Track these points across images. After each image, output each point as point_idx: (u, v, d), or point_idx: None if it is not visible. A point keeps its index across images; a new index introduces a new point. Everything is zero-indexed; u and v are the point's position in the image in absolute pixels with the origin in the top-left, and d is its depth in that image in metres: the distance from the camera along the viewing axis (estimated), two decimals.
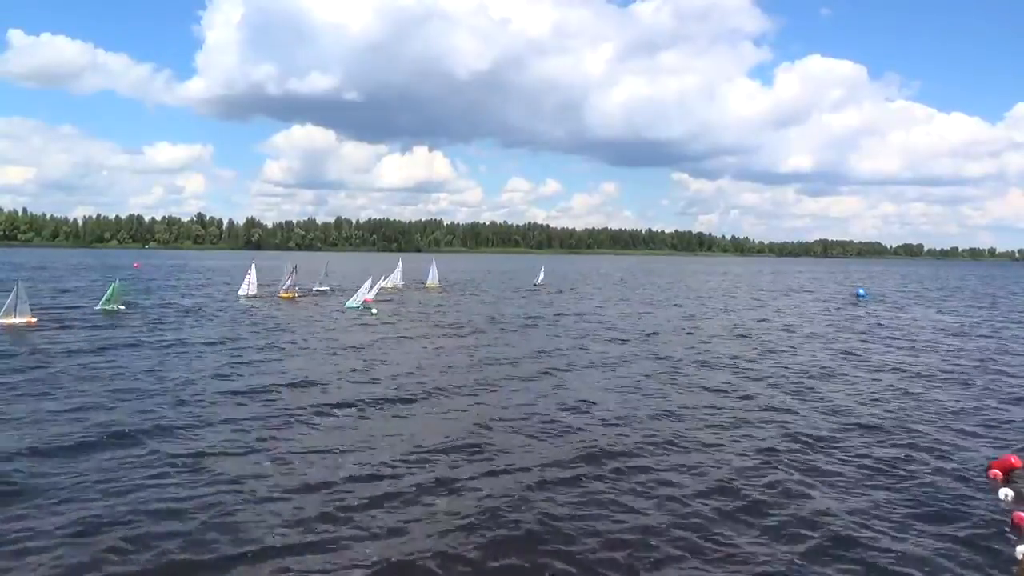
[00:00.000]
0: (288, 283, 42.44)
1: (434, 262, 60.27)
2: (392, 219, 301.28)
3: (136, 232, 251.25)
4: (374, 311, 34.47)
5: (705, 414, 14.55)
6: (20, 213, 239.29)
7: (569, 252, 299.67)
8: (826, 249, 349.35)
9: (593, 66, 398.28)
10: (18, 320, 26.00)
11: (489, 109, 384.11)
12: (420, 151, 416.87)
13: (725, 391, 17.02)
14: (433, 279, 57.05)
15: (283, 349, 21.90)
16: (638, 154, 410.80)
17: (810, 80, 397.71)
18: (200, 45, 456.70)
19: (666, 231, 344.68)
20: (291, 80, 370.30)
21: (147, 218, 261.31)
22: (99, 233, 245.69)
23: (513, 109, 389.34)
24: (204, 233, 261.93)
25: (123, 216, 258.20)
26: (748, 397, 16.36)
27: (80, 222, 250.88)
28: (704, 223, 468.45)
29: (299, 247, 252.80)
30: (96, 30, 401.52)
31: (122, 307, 33.09)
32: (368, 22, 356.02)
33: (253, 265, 43.57)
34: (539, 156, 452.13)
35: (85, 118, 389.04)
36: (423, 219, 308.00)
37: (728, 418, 14.29)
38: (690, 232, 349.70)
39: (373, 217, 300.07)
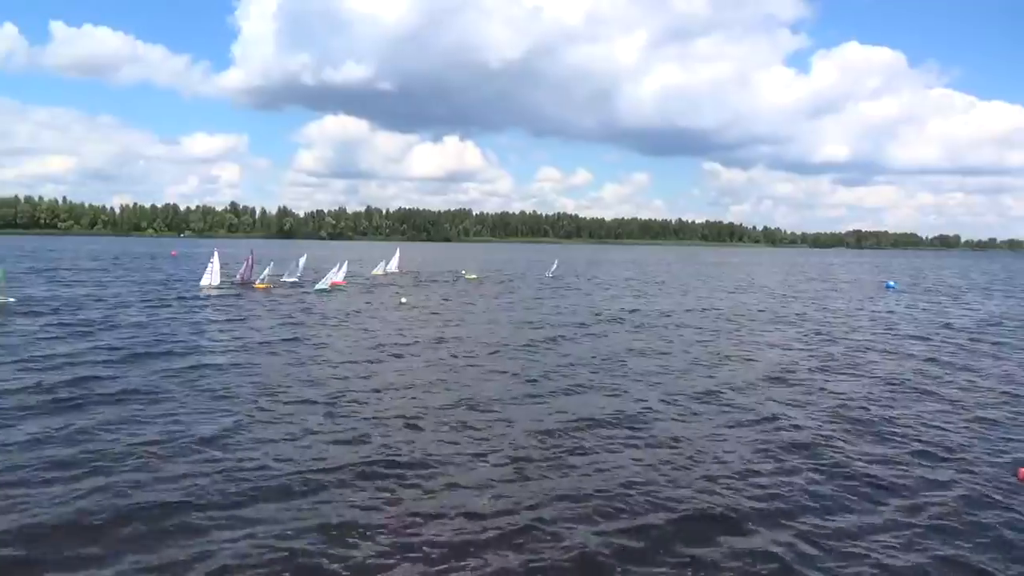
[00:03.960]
0: (264, 273, 41.05)
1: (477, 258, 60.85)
2: (422, 208, 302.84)
3: (172, 221, 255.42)
4: (403, 300, 34.49)
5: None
6: (60, 202, 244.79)
7: (598, 242, 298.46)
8: (860, 240, 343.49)
9: (626, 54, 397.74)
10: None
11: (520, 98, 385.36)
12: (451, 140, 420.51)
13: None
14: (470, 270, 57.84)
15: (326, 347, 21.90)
16: (670, 143, 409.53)
17: (847, 67, 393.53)
18: (236, 36, 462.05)
19: (697, 221, 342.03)
20: (326, 70, 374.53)
21: (183, 207, 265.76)
22: (136, 222, 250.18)
23: (545, 98, 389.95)
24: (238, 222, 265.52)
25: (159, 205, 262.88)
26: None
27: (118, 211, 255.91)
28: (735, 213, 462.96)
29: (330, 236, 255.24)
30: (135, 22, 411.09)
31: (11, 299, 28.11)
32: (402, 12, 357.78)
33: (216, 253, 41.01)
34: (570, 145, 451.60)
35: (124, 109, 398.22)
36: (453, 208, 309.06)
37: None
38: (721, 222, 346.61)
39: (403, 206, 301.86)
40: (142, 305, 30.25)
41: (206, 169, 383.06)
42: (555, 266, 62.50)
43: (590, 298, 39.70)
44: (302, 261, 45.07)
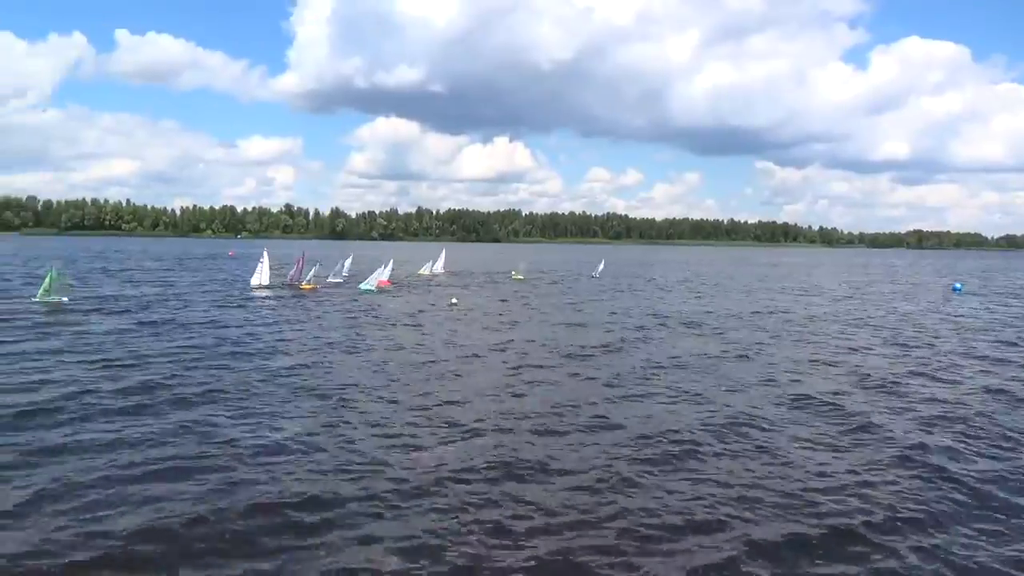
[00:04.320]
0: (309, 274, 40.94)
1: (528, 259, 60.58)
2: (472, 209, 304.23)
3: (229, 222, 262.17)
4: (454, 300, 34.43)
5: None
6: (124, 204, 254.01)
7: (648, 243, 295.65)
8: (921, 240, 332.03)
9: (677, 53, 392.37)
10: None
11: (570, 98, 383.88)
12: (501, 141, 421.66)
13: None
14: (518, 270, 57.55)
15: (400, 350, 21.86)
16: (722, 142, 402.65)
17: (908, 63, 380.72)
18: (291, 41, 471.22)
19: (749, 221, 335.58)
20: (378, 73, 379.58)
21: (239, 208, 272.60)
22: (195, 223, 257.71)
23: (595, 98, 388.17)
24: (292, 223, 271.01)
25: (217, 207, 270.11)
26: None
27: (178, 212, 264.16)
28: (789, 213, 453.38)
29: (381, 237, 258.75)
30: (195, 29, 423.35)
31: (65, 299, 28.95)
32: (453, 14, 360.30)
33: (265, 253, 41.22)
34: (620, 145, 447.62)
35: (184, 113, 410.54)
36: (502, 209, 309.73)
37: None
38: (774, 222, 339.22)
39: (453, 207, 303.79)
40: (209, 304, 30.94)
41: (262, 171, 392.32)
42: (601, 267, 61.73)
43: (651, 301, 38.94)
44: (348, 263, 45.53)
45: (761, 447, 11.56)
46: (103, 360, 17.15)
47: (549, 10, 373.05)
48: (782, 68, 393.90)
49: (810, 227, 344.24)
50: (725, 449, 11.43)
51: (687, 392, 15.47)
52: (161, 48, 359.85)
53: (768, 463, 10.79)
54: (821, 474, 10.35)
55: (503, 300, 37.31)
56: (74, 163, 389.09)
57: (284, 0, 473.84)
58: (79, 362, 16.87)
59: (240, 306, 30.76)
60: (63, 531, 7.87)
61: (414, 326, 25.62)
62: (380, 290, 39.28)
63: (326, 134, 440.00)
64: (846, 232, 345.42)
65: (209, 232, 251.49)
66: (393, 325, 25.68)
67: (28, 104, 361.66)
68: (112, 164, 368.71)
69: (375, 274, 40.77)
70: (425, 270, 55.71)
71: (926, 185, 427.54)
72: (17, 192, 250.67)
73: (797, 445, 11.70)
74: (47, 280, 29.29)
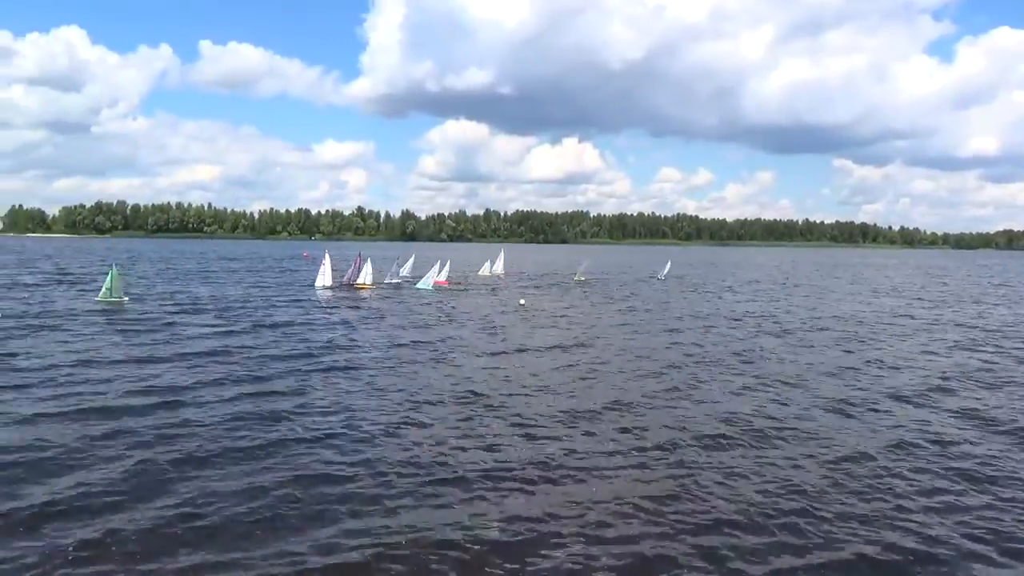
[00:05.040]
0: (364, 273, 40.00)
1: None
2: (540, 211, 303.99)
3: (304, 224, 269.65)
4: (522, 301, 33.41)
5: None
6: (206, 208, 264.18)
7: (719, 244, 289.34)
8: (1011, 240, 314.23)
9: (751, 49, 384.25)
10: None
11: (640, 98, 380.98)
12: (570, 142, 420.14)
13: None
14: (580, 271, 56.40)
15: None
16: (797, 140, 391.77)
17: (997, 54, 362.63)
18: (364, 47, 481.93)
19: (826, 221, 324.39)
20: (448, 76, 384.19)
21: (314, 211, 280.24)
22: (272, 225, 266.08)
23: (665, 97, 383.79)
24: (364, 225, 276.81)
25: (293, 210, 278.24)
26: None
27: (256, 215, 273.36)
28: (868, 213, 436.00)
29: (450, 238, 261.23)
30: (274, 38, 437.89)
31: (125, 298, 29.01)
32: (524, 16, 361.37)
33: (327, 255, 41.62)
34: (691, 145, 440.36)
35: (263, 119, 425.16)
36: (570, 210, 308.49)
37: None
38: (852, 222, 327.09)
39: (521, 209, 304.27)
40: (305, 305, 31.02)
41: (335, 175, 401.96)
42: (666, 269, 59.27)
43: (752, 304, 37.12)
44: (410, 263, 45.60)
45: (948, 471, 10.27)
46: (217, 364, 16.92)
47: (620, 9, 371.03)
48: (861, 63, 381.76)
49: (890, 227, 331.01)
50: (903, 466, 10.32)
51: (843, 403, 14.18)
52: (241, 57, 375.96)
53: (962, 491, 9.53)
54: None
55: (584, 294, 36.28)
56: (160, 168, 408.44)
57: (358, 7, 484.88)
58: (196, 367, 16.57)
59: (335, 307, 30.81)
60: (212, 547, 7.46)
61: (503, 326, 24.91)
62: (437, 289, 38.92)
63: (397, 137, 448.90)
64: (929, 232, 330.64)
65: (285, 234, 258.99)
66: (462, 325, 24.98)
67: (119, 113, 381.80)
68: (196, 169, 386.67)
69: (430, 273, 40.55)
70: (484, 271, 55.40)
71: (1018, 182, 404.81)
72: (109, 197, 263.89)
73: (991, 470, 10.37)
74: (108, 280, 28.98)
